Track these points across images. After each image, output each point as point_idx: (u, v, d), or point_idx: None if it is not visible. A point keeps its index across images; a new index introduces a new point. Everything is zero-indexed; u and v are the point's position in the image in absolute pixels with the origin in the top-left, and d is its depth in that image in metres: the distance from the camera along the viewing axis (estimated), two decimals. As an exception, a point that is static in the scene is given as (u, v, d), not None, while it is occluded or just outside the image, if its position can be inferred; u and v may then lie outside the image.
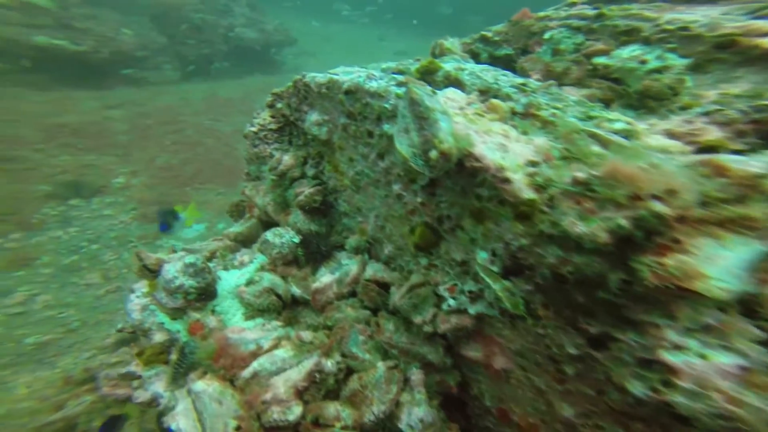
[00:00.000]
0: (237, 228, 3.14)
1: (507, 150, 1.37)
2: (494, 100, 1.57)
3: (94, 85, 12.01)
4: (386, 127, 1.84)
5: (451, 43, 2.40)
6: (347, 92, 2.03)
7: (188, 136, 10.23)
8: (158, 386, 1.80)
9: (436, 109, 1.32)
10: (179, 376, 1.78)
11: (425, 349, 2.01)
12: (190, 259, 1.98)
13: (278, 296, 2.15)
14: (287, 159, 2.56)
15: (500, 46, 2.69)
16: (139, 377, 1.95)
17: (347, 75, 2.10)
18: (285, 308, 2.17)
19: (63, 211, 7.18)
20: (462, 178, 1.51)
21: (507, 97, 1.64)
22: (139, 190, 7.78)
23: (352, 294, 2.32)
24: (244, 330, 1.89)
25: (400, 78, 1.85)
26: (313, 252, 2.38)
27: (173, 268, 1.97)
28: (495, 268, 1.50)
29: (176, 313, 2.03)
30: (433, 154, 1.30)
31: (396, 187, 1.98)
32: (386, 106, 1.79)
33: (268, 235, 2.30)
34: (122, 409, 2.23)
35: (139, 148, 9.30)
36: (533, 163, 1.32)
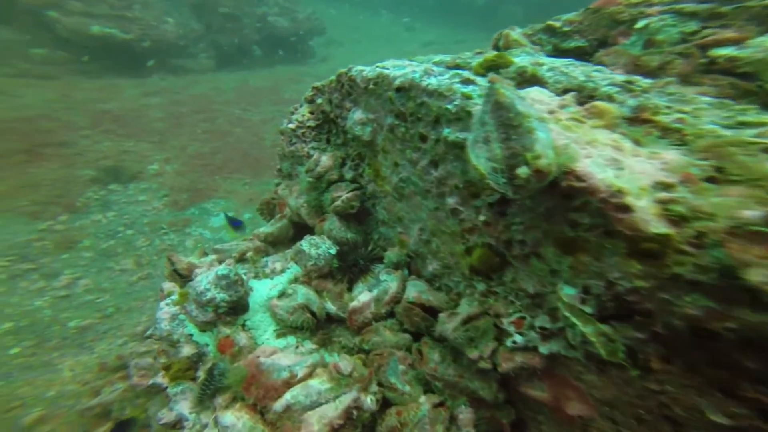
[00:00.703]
0: (267, 228, 2.95)
1: (621, 167, 1.03)
2: (599, 103, 1.23)
3: (136, 73, 12.33)
4: (446, 131, 1.53)
5: (518, 34, 2.03)
6: (399, 89, 1.73)
7: (219, 125, 10.28)
8: (183, 406, 1.65)
9: (531, 116, 1.01)
10: (206, 398, 1.61)
11: (476, 384, 1.73)
12: (222, 270, 1.80)
13: (312, 313, 1.93)
14: (325, 160, 2.31)
15: (570, 38, 2.28)
16: (165, 389, 1.82)
17: (399, 69, 1.79)
18: (319, 326, 1.96)
19: (103, 196, 7.36)
20: (550, 199, 1.20)
21: (609, 98, 1.29)
22: (172, 177, 7.87)
23: (391, 314, 2.08)
24: (276, 352, 1.69)
25: (466, 74, 1.53)
26: (350, 265, 2.14)
27: (205, 280, 1.79)
28: (588, 309, 1.19)
29: (206, 326, 1.87)
30: (523, 171, 1.00)
31: (451, 201, 1.68)
32: (448, 107, 1.49)
33: (304, 244, 2.07)
34: (137, 412, 2.13)
35: (173, 136, 9.42)
36: (665, 186, 0.98)
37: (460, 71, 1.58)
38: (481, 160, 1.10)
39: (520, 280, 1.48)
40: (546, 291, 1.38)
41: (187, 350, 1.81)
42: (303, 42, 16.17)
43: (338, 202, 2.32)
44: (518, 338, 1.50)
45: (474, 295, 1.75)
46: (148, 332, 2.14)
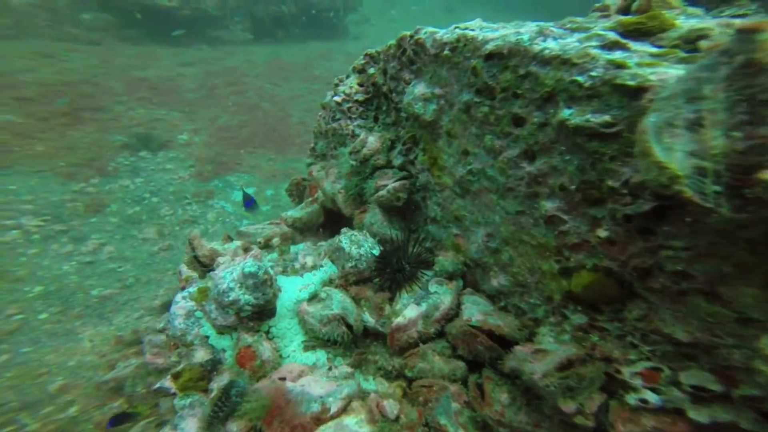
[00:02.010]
0: (296, 213, 2.58)
1: None
2: None
3: (174, 42, 12.16)
4: (566, 113, 1.06)
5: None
6: (491, 56, 1.25)
7: (248, 98, 10.02)
8: (190, 426, 1.32)
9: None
10: (216, 422, 1.29)
11: (551, 439, 1.32)
12: (250, 267, 1.40)
13: (348, 326, 1.55)
14: (373, 141, 1.87)
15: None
16: (173, 395, 1.51)
17: (491, 31, 1.31)
18: (354, 341, 1.59)
19: (133, 162, 7.27)
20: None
21: None
22: (199, 147, 7.69)
23: (440, 333, 1.67)
24: (305, 372, 1.33)
25: (611, 36, 1.03)
26: (394, 269, 1.73)
27: (229, 276, 1.42)
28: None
29: (225, 329, 1.53)
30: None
31: (549, 205, 1.22)
32: (579, 79, 1.00)
33: (344, 241, 1.68)
34: (136, 408, 1.88)
35: (203, 107, 9.24)
36: None
37: (599, 32, 1.08)
38: (675, 154, 0.65)
39: (659, 322, 1.03)
40: (719, 342, 0.93)
41: (201, 355, 1.49)
42: (338, 18, 15.49)
43: (383, 192, 1.90)
44: (651, 396, 1.06)
45: (564, 328, 1.31)
46: (161, 325, 1.84)
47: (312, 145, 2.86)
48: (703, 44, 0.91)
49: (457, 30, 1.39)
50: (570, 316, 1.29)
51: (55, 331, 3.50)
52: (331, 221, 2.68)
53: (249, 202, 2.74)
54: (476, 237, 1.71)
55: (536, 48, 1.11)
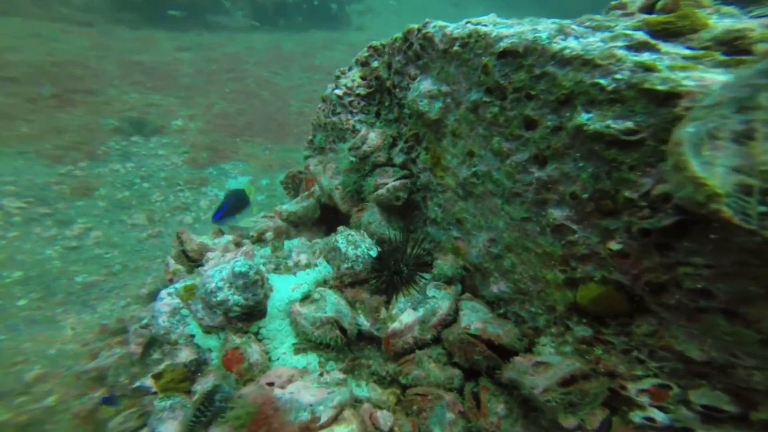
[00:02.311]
0: (291, 206, 2.48)
1: None
2: None
3: (173, 27, 11.81)
4: (583, 117, 0.98)
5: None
6: (504, 54, 1.16)
7: (247, 85, 9.80)
8: (169, 430, 1.24)
9: None
10: (198, 427, 1.21)
11: (546, 454, 1.28)
12: (240, 266, 1.30)
13: (342, 330, 1.48)
14: (373, 138, 1.78)
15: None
16: (154, 393, 1.43)
17: (505, 27, 1.22)
18: (348, 345, 1.51)
19: (124, 146, 7.06)
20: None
21: None
22: (194, 134, 7.49)
23: (436, 339, 1.61)
24: (294, 377, 1.25)
25: (639, 36, 0.95)
26: (391, 271, 1.66)
27: (218, 275, 1.32)
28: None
29: (212, 329, 1.44)
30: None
31: (558, 214, 1.16)
32: (601, 82, 0.92)
33: (340, 241, 1.59)
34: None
35: (200, 93, 9.00)
36: None
37: (625, 31, 1.00)
38: (716, 169, 0.58)
39: (670, 338, 0.97)
40: (738, 363, 0.87)
41: (185, 355, 1.40)
42: (341, 7, 15.20)
43: (382, 191, 1.82)
44: (658, 414, 1.01)
45: (566, 339, 1.26)
46: (144, 321, 1.74)
47: (310, 137, 2.76)
48: (759, 48, 0.83)
49: (469, 25, 1.30)
50: (573, 328, 1.23)
51: (34, 318, 3.36)
52: (327, 216, 2.59)
53: (220, 213, 1.84)
54: (477, 241, 1.64)
55: (555, 47, 1.03)
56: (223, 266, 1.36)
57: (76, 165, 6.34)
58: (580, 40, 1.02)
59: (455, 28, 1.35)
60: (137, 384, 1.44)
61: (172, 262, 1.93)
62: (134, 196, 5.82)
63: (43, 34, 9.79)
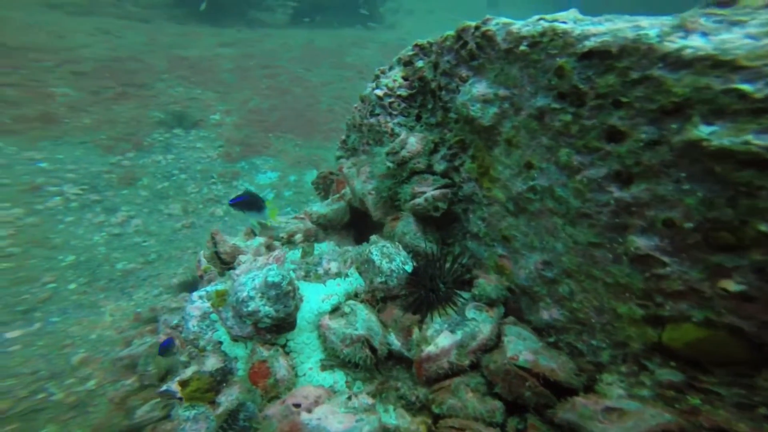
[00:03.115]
0: (321, 209, 2.38)
1: None
2: None
3: (216, 22, 12.25)
4: (704, 130, 0.78)
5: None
6: (589, 55, 0.96)
7: (281, 82, 9.95)
8: (194, 444, 1.18)
9: None
10: (223, 446, 1.13)
11: None
12: (273, 277, 1.20)
13: (372, 349, 1.35)
14: (413, 143, 1.62)
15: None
16: (179, 399, 1.37)
17: (593, 25, 1.01)
18: (377, 367, 1.38)
19: (167, 138, 7.34)
20: None
21: None
22: (229, 128, 7.67)
23: (475, 366, 1.44)
24: (321, 398, 1.13)
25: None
26: (427, 289, 1.50)
27: (250, 284, 1.23)
28: None
29: (241, 338, 1.36)
30: None
31: (644, 243, 0.94)
32: (745, 88, 0.71)
33: (375, 253, 1.45)
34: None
35: (237, 88, 9.23)
36: None
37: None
38: None
39: None
40: None
41: (212, 363, 1.32)
42: (373, 5, 15.05)
43: (420, 200, 1.66)
44: None
45: (642, 381, 1.05)
46: (175, 321, 1.70)
47: (343, 137, 2.63)
48: None
49: (542, 22, 1.10)
50: (654, 370, 1.02)
51: (81, 302, 3.51)
52: (357, 221, 2.47)
53: (239, 199, 1.73)
54: (527, 262, 1.44)
55: (669, 47, 0.81)
56: (255, 274, 1.26)
57: (124, 155, 6.66)
58: (709, 37, 0.80)
59: (524, 26, 1.15)
60: (164, 388, 1.39)
61: (203, 259, 1.88)
62: (172, 186, 6.02)
63: (111, 31, 10.45)
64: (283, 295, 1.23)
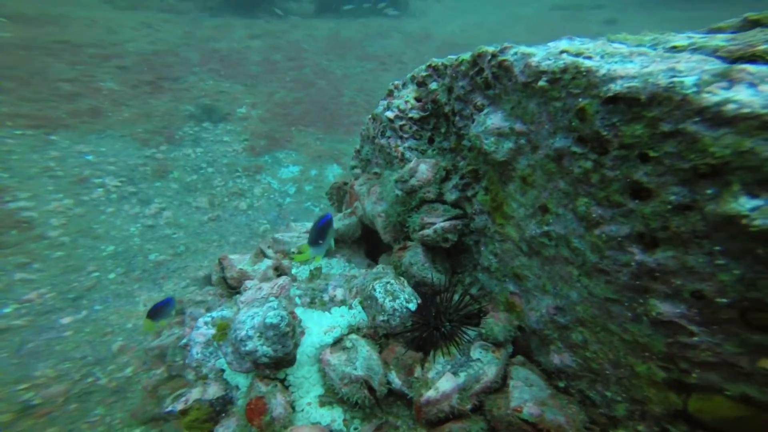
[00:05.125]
0: (334, 224, 2.35)
1: None
2: None
3: (247, 13, 12.37)
4: (746, 204, 0.64)
5: None
6: (614, 100, 0.83)
7: (305, 74, 9.92)
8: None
9: None
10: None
11: None
12: (272, 318, 1.20)
13: (371, 389, 1.32)
14: (423, 171, 1.52)
15: None
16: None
17: (621, 63, 0.85)
18: (377, 405, 1.36)
19: (196, 132, 7.56)
20: None
21: None
22: (255, 122, 7.79)
23: (477, 408, 1.38)
24: None
25: None
26: (431, 326, 1.44)
27: (249, 323, 1.23)
28: None
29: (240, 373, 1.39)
30: None
31: (666, 309, 0.83)
32: None
33: (378, 290, 1.41)
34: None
35: (264, 81, 9.31)
36: None
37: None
38: None
39: None
40: None
41: (213, 391, 1.36)
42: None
43: (429, 231, 1.57)
44: None
45: None
46: (183, 342, 1.77)
47: (357, 147, 2.56)
48: None
49: (565, 56, 0.95)
50: None
51: (119, 292, 3.76)
52: (369, 235, 2.42)
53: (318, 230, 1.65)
54: (539, 304, 1.34)
55: (709, 99, 0.68)
56: (255, 312, 1.27)
57: (158, 148, 6.94)
58: (759, 88, 0.65)
59: (544, 59, 1.01)
60: (169, 409, 1.45)
61: (214, 278, 1.93)
62: (200, 180, 6.24)
63: (152, 25, 10.82)
64: (282, 336, 1.22)
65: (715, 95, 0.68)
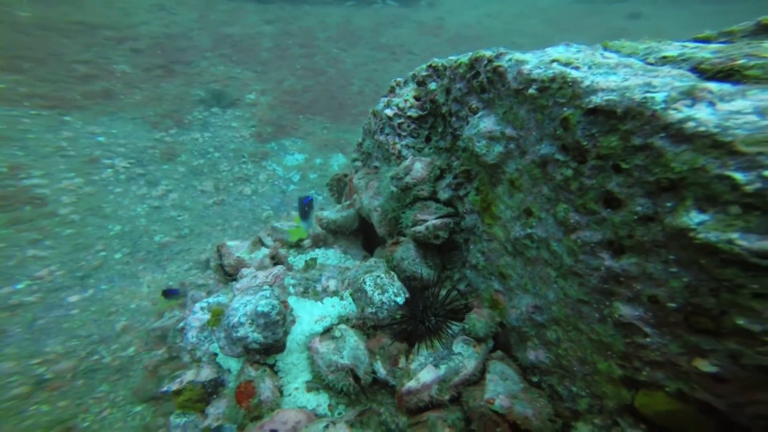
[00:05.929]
0: (332, 215, 2.42)
1: None
2: None
3: None
4: (695, 218, 0.67)
5: None
6: (594, 111, 0.86)
7: (315, 62, 9.85)
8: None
9: None
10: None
11: None
12: (263, 307, 1.30)
13: (356, 377, 1.40)
14: (419, 170, 1.57)
15: None
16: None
17: (605, 75, 0.88)
18: (362, 392, 1.44)
19: (205, 116, 7.61)
20: None
21: None
22: (263, 109, 7.80)
23: (455, 399, 1.46)
24: (300, 423, 1.23)
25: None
26: (417, 320, 1.51)
27: (242, 310, 1.33)
28: None
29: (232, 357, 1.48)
30: None
31: (627, 312, 0.88)
32: (737, 178, 0.61)
33: (368, 283, 1.48)
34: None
35: (274, 68, 9.27)
36: None
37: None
38: None
39: None
40: None
41: (206, 373, 1.46)
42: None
43: (421, 228, 1.63)
44: None
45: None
46: (180, 325, 1.87)
47: (360, 140, 2.61)
48: None
49: (555, 65, 0.99)
50: (625, 428, 0.98)
51: (124, 272, 3.89)
52: (366, 227, 2.49)
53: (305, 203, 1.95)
54: (520, 302, 1.40)
55: (673, 116, 0.71)
56: (248, 300, 1.35)
57: (167, 132, 7.02)
58: (716, 107, 0.68)
59: (535, 68, 1.04)
60: (164, 389, 1.55)
61: (213, 263, 2.01)
62: (207, 164, 6.31)
63: (166, 7, 10.78)
64: (272, 324, 1.31)
65: (679, 112, 0.72)
